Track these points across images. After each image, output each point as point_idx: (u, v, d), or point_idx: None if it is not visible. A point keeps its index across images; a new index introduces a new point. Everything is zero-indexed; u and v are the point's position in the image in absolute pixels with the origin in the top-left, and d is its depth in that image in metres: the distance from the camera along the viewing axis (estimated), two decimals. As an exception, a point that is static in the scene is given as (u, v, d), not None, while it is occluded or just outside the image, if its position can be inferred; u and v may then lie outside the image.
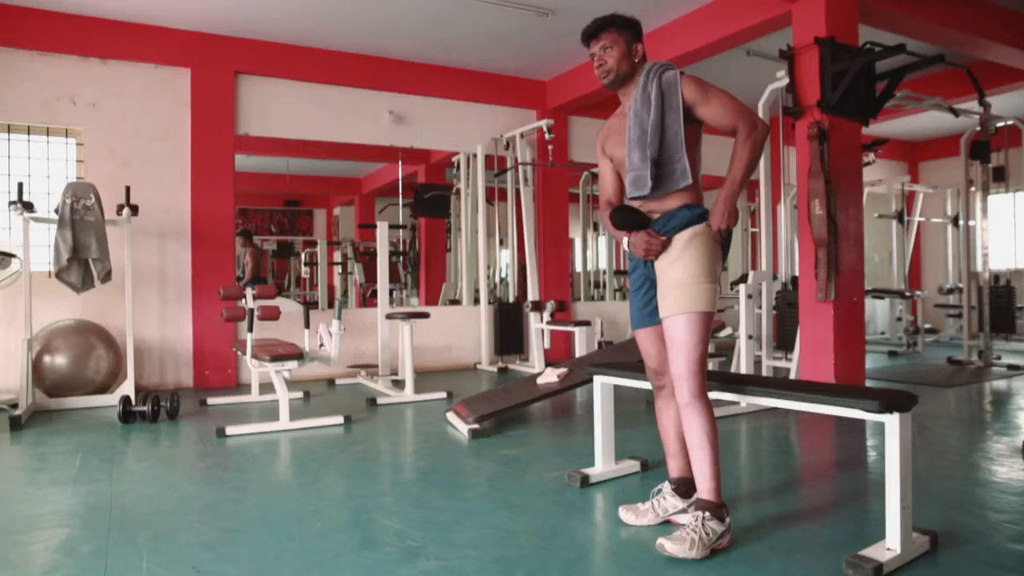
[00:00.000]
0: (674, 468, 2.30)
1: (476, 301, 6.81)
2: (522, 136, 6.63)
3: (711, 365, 5.38)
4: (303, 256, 8.25)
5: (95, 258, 4.41)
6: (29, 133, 5.17)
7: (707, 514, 1.96)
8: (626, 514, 2.26)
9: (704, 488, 2.01)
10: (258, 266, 7.26)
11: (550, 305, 6.06)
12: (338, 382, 5.61)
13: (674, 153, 2.07)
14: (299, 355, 3.92)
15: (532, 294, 6.68)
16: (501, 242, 7.67)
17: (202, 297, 5.42)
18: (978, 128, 6.04)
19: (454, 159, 7.12)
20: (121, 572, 1.92)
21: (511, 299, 7.00)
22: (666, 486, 2.29)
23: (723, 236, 2.09)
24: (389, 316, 5.24)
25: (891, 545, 1.88)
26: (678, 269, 2.03)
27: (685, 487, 2.25)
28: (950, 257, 8.58)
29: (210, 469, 3.04)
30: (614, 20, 2.19)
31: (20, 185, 4.32)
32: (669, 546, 1.95)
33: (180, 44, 5.42)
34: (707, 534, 1.94)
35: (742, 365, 4.44)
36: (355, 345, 6.02)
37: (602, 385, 2.72)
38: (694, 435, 2.01)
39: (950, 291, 7.83)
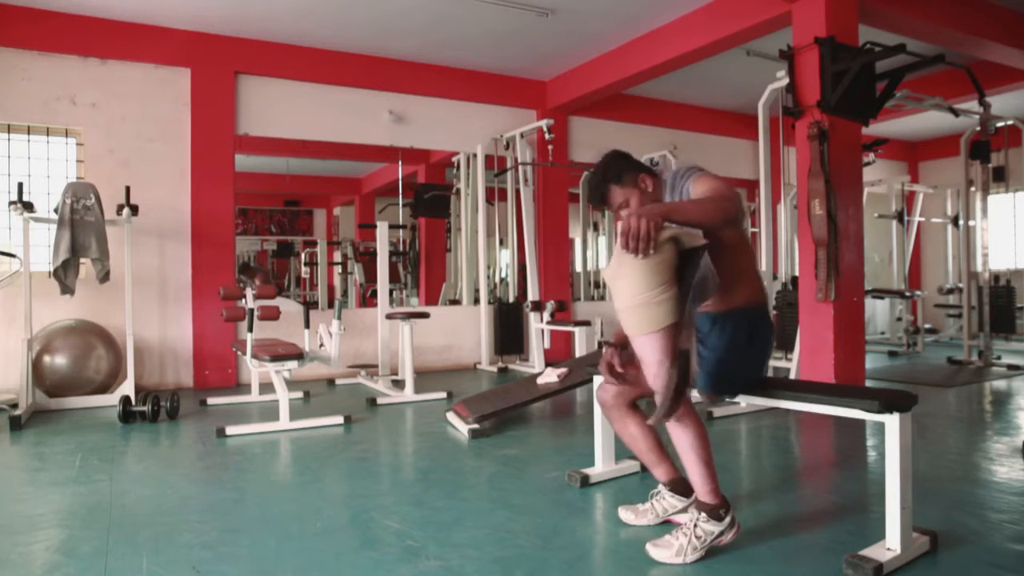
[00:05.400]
0: (662, 474, 2.26)
1: (476, 301, 6.81)
2: (522, 136, 6.63)
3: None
4: (303, 256, 8.26)
5: (95, 258, 4.41)
6: (29, 133, 5.17)
7: (703, 515, 1.96)
8: (626, 514, 2.26)
9: (701, 491, 2.00)
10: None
11: (550, 305, 6.06)
12: (338, 382, 5.61)
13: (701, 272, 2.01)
14: (299, 355, 3.92)
15: (532, 294, 6.68)
16: (501, 242, 7.66)
17: (202, 297, 5.42)
18: (978, 128, 6.04)
19: (454, 159, 7.11)
20: (121, 572, 1.92)
21: (511, 299, 7.00)
22: (663, 487, 2.28)
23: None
24: (389, 316, 5.24)
25: (891, 545, 1.88)
26: (624, 287, 1.81)
27: (682, 485, 2.23)
28: (950, 257, 8.57)
29: (210, 469, 3.04)
30: (608, 177, 2.06)
31: (20, 185, 4.32)
32: (655, 552, 1.95)
33: (180, 44, 5.42)
34: (698, 537, 1.93)
35: (742, 365, 4.43)
36: (355, 345, 6.02)
37: (602, 385, 2.71)
38: (683, 446, 2.00)
39: (950, 291, 7.82)
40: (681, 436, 2.00)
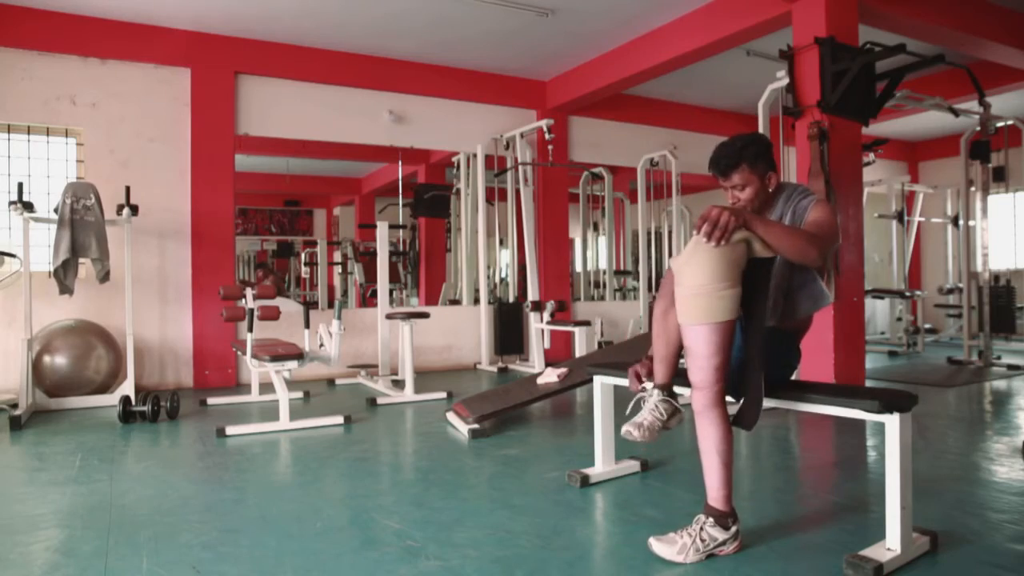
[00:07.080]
0: (664, 376, 2.13)
1: (476, 301, 6.81)
2: (522, 136, 6.63)
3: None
4: (303, 256, 8.26)
5: (95, 258, 4.41)
6: (29, 133, 5.17)
7: (710, 520, 1.95)
8: (632, 432, 2.06)
9: (713, 496, 1.98)
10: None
11: (550, 305, 6.06)
12: (338, 382, 5.61)
13: (807, 282, 2.09)
14: (299, 355, 3.92)
15: (532, 294, 6.68)
16: (501, 242, 7.67)
17: (202, 297, 5.42)
18: (978, 128, 6.04)
19: (454, 159, 7.12)
20: (121, 572, 1.92)
21: (511, 299, 7.00)
22: (656, 391, 2.12)
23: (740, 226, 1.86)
24: (389, 316, 5.24)
25: (891, 545, 1.88)
26: (689, 274, 1.89)
27: (672, 391, 2.13)
28: (950, 257, 8.58)
29: (210, 469, 3.04)
30: (745, 155, 2.04)
31: (20, 185, 4.32)
32: (657, 547, 1.96)
33: (180, 44, 5.42)
34: (703, 541, 1.93)
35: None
36: (355, 345, 6.02)
37: (602, 385, 2.72)
38: (707, 444, 1.98)
39: (950, 291, 7.83)
40: (709, 434, 1.96)
